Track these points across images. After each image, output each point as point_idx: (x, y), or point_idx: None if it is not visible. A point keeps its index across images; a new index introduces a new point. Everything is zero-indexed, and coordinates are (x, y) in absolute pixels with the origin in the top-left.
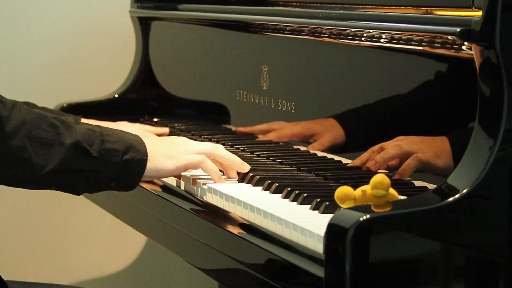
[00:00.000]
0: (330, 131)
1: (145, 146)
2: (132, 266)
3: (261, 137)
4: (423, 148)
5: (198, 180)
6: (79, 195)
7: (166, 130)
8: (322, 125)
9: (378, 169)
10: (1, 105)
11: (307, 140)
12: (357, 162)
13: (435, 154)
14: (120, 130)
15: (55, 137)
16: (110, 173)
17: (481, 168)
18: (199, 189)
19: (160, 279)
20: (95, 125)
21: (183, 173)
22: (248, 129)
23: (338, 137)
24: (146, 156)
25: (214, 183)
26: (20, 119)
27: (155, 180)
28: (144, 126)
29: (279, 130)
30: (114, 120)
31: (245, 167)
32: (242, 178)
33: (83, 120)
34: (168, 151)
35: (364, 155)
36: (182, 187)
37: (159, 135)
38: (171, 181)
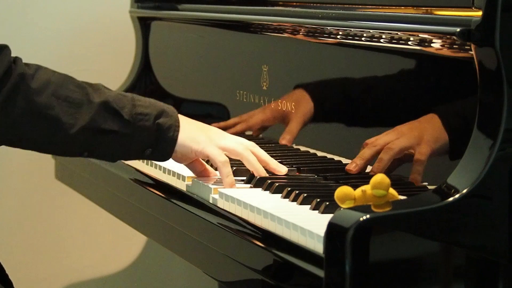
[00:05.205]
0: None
1: (177, 114)
2: (132, 266)
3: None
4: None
5: (198, 180)
6: (114, 161)
7: None
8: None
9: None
10: (26, 66)
11: (279, 122)
12: (356, 168)
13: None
14: (151, 98)
15: (83, 97)
16: (143, 138)
17: (481, 168)
18: (199, 189)
19: (160, 279)
20: (126, 92)
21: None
22: (221, 124)
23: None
24: (178, 122)
25: (223, 187)
26: (46, 79)
27: (155, 180)
28: None
29: (248, 120)
30: None
31: (281, 169)
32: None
33: None
34: (200, 131)
35: (359, 160)
36: (182, 187)
37: None
38: (171, 180)
